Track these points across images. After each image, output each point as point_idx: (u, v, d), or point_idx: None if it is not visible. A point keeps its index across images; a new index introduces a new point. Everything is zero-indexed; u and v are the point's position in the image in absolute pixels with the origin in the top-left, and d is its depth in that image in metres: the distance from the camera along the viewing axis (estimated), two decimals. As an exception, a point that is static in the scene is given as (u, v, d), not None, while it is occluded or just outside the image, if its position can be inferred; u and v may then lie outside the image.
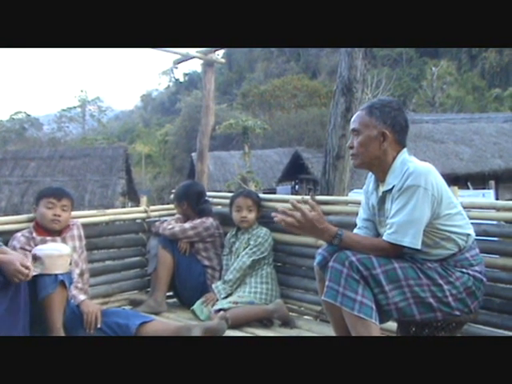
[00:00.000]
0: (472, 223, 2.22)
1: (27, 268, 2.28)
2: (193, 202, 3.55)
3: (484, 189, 12.13)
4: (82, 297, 2.79)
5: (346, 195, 5.21)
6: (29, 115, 52.86)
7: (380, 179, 2.21)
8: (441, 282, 2.03)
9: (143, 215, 3.72)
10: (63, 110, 53.69)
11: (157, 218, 3.73)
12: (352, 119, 2.25)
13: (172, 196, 3.69)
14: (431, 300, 2.03)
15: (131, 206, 14.72)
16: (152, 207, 3.81)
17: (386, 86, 25.14)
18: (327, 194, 4.87)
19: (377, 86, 24.88)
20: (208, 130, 8.45)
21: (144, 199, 3.83)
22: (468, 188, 14.19)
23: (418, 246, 2.02)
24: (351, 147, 2.22)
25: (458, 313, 2.07)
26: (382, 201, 2.19)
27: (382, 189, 2.19)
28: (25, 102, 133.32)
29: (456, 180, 14.24)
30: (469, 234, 2.12)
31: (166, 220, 3.60)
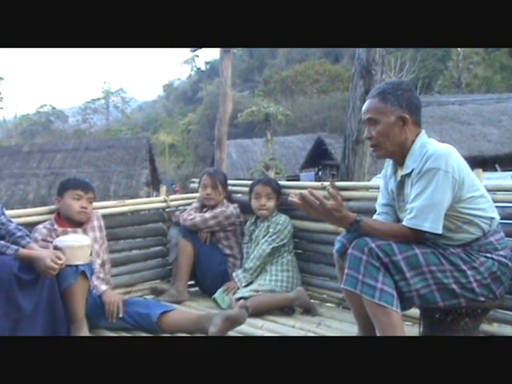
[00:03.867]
0: (498, 206, 2.14)
1: (57, 263, 2.31)
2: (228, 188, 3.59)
3: (513, 170, 11.84)
4: (103, 287, 2.81)
5: (369, 180, 5.14)
6: (54, 108, 53.69)
7: (399, 163, 2.15)
8: (464, 267, 1.98)
9: (163, 205, 3.72)
10: (87, 102, 54.29)
11: (176, 208, 3.73)
12: (364, 108, 2.15)
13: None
14: (454, 286, 1.97)
15: (156, 196, 14.83)
16: (171, 196, 3.81)
17: (410, 67, 24.69)
18: (347, 180, 4.80)
19: (401, 68, 24.46)
20: (226, 117, 8.41)
21: (163, 189, 3.83)
22: (496, 170, 13.87)
23: (439, 231, 1.96)
24: (370, 138, 2.14)
25: (482, 299, 2.01)
26: (401, 185, 2.14)
27: (400, 173, 2.13)
28: (50, 95, 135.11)
29: (484, 162, 13.94)
30: (493, 218, 2.05)
31: (185, 209, 3.60)
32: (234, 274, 3.28)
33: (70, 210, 2.92)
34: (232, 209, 3.48)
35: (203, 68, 59.01)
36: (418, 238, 2.00)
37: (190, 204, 3.68)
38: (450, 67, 28.71)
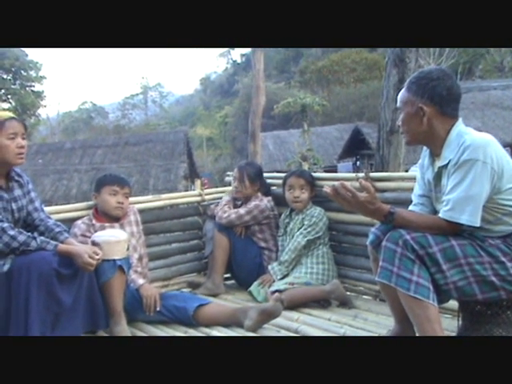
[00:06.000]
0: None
1: (94, 258, 2.37)
2: (262, 181, 3.57)
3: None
4: (141, 281, 2.86)
5: (406, 171, 5.04)
6: (95, 104, 54.84)
7: (435, 153, 2.10)
8: (504, 259, 1.91)
9: (198, 199, 3.75)
10: (127, 98, 55.20)
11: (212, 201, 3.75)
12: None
13: (237, 176, 3.53)
14: (493, 278, 1.91)
15: (194, 189, 14.96)
16: (206, 190, 3.83)
17: (449, 53, 24.01)
18: (382, 170, 4.72)
19: (440, 54, 23.82)
20: (259, 110, 8.39)
21: (198, 183, 3.86)
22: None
23: (477, 224, 1.90)
24: (399, 126, 2.16)
25: (524, 291, 1.95)
26: (438, 176, 2.08)
27: (437, 164, 2.07)
28: (91, 92, 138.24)
29: (528, 149, 13.46)
30: (535, 209, 1.97)
31: (218, 202, 3.60)
32: (269, 267, 3.28)
33: (106, 206, 2.98)
34: (266, 202, 3.46)
35: (239, 60, 58.99)
36: (454, 230, 1.94)
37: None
38: (491, 51, 27.72)
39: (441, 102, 2.01)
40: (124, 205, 3.01)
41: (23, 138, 2.42)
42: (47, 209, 2.71)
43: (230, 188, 3.70)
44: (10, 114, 2.45)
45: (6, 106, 28.64)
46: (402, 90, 2.12)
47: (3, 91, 29.04)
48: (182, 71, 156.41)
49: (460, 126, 2.02)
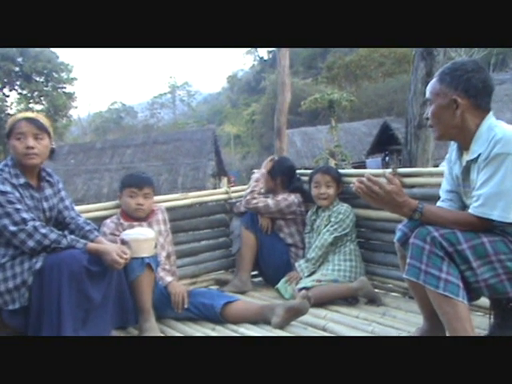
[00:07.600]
0: None
1: (122, 257, 2.40)
2: (286, 177, 3.55)
3: None
4: (169, 278, 2.89)
5: (437, 166, 4.94)
6: (124, 104, 55.48)
7: (464, 147, 2.05)
8: (536, 255, 1.86)
9: (225, 196, 3.77)
10: (155, 97, 55.68)
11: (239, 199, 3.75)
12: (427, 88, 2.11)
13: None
14: None
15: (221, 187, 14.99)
16: (233, 188, 3.84)
17: (481, 44, 23.43)
18: (410, 166, 4.64)
19: (471, 46, 23.29)
20: (285, 107, 8.32)
21: (224, 180, 3.87)
22: None
23: (509, 220, 1.85)
24: (427, 118, 2.09)
25: (558, 288, 1.89)
26: (466, 171, 2.03)
27: (466, 158, 2.03)
28: (120, 92, 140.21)
29: None
30: None
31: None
32: (296, 264, 3.27)
33: (127, 208, 3.01)
34: (293, 197, 3.45)
35: (266, 57, 58.84)
36: (485, 226, 1.90)
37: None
38: (526, 41, 26.92)
39: (476, 94, 1.96)
40: (144, 206, 3.01)
41: (36, 138, 2.41)
42: (77, 208, 2.75)
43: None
44: (27, 115, 2.46)
45: (39, 107, 29.30)
46: (433, 81, 2.05)
47: (36, 93, 29.69)
48: (209, 70, 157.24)
49: (491, 120, 1.97)
